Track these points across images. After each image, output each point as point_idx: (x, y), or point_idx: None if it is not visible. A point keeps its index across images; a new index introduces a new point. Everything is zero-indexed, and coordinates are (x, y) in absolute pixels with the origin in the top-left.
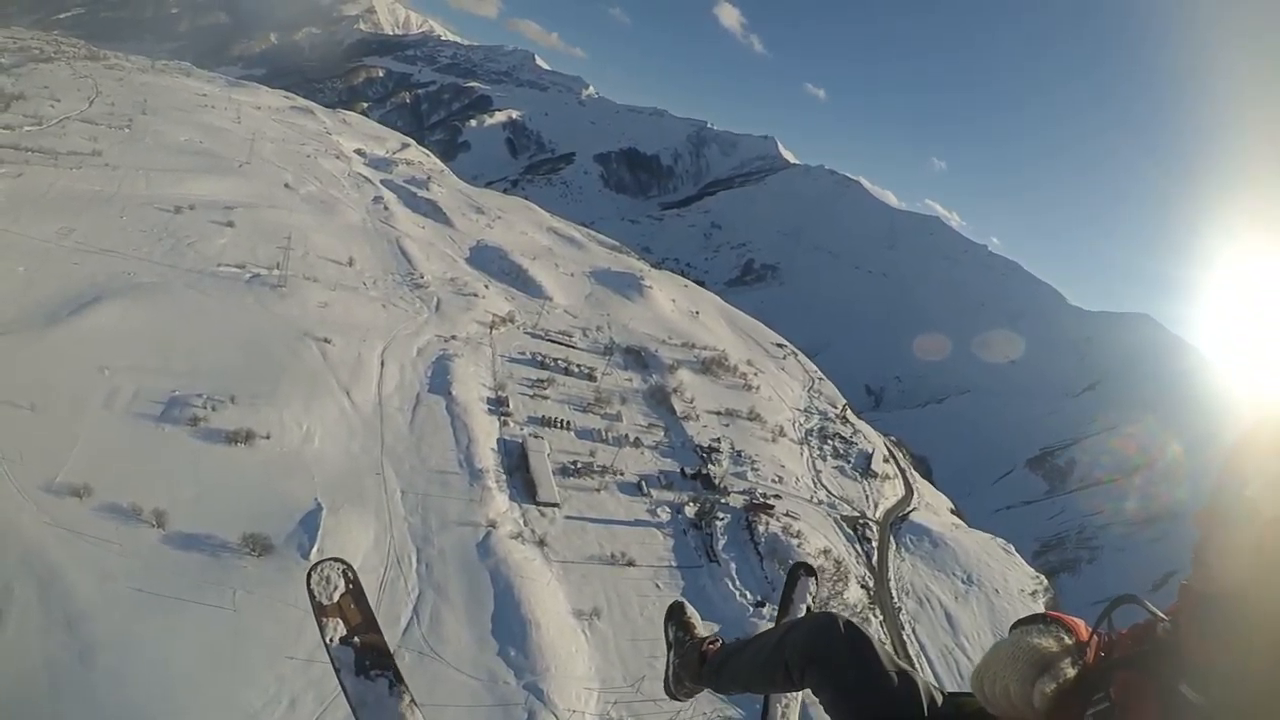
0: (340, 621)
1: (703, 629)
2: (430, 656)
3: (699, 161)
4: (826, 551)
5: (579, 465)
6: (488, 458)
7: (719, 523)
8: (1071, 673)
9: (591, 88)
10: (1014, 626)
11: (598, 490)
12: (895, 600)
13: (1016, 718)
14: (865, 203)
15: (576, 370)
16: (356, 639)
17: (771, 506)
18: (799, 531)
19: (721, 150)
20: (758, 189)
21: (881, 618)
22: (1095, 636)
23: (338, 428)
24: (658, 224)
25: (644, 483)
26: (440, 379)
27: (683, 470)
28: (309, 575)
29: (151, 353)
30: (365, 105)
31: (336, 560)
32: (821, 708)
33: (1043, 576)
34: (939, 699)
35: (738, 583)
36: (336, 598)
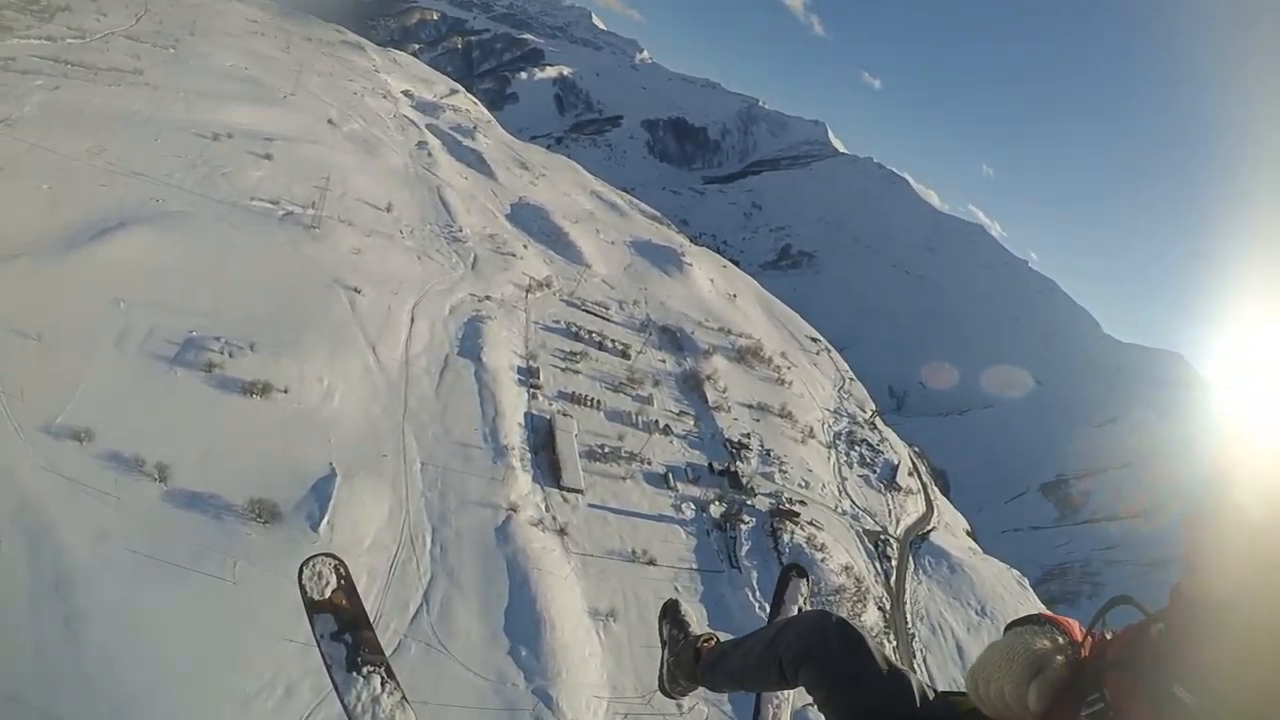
0: (332, 617)
1: (697, 627)
2: (438, 650)
3: (746, 139)
4: (848, 568)
5: (606, 450)
6: (514, 433)
7: (743, 526)
8: (1066, 674)
9: (646, 52)
10: (1009, 627)
11: (623, 479)
12: (910, 626)
13: (1011, 718)
14: (910, 201)
15: (611, 346)
16: (348, 635)
17: (797, 514)
18: (823, 544)
19: (770, 130)
20: (803, 173)
21: (895, 644)
22: (1089, 638)
23: (360, 386)
24: (699, 197)
25: (671, 475)
26: (471, 342)
27: (711, 465)
28: (300, 570)
29: (172, 288)
30: (417, 47)
31: (328, 555)
32: (815, 707)
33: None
34: (932, 698)
35: (758, 593)
36: (329, 593)
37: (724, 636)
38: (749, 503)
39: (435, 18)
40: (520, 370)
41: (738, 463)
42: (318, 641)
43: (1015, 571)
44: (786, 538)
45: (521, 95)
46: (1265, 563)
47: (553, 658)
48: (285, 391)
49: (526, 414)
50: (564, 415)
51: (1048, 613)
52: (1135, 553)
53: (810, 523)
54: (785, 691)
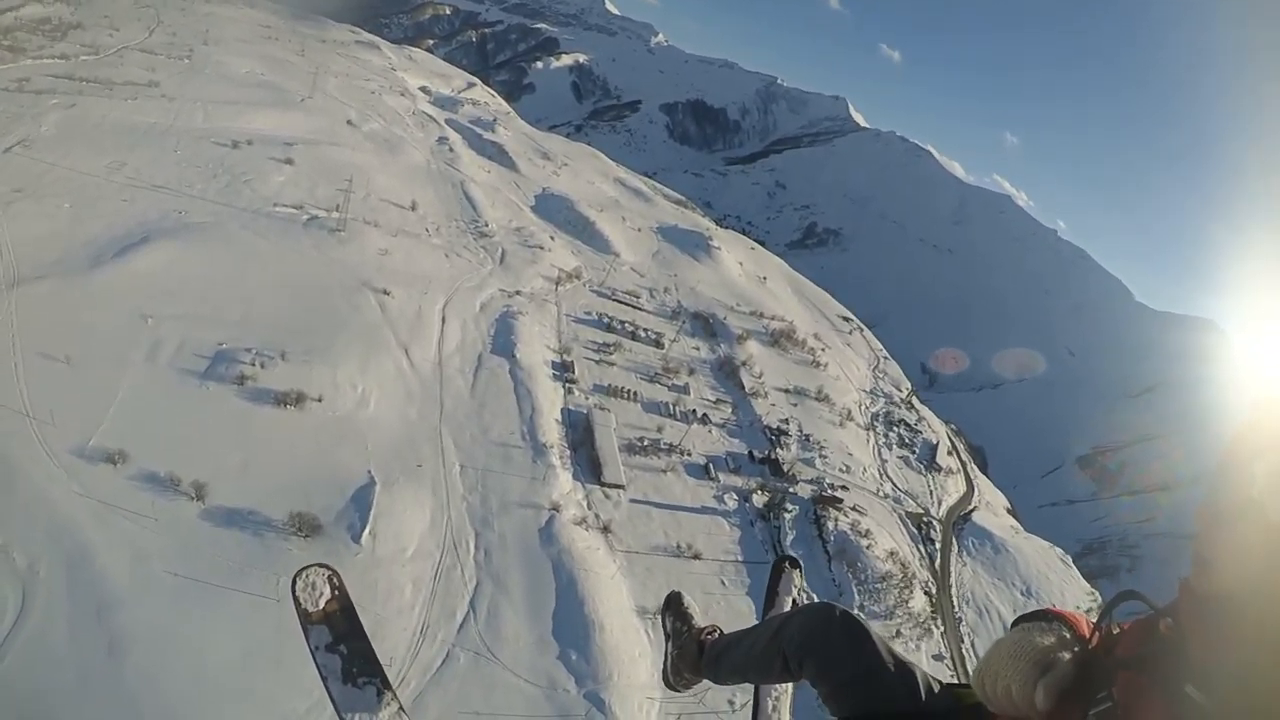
0: (326, 629)
1: (700, 619)
2: (487, 658)
3: (766, 118)
4: (893, 554)
5: (645, 443)
6: (552, 430)
7: (787, 515)
8: (1073, 672)
9: (661, 35)
10: (1015, 623)
11: (664, 471)
12: (956, 610)
13: (1017, 716)
14: (936, 174)
15: (644, 335)
16: (343, 646)
17: (840, 500)
18: (867, 530)
19: (790, 108)
20: (825, 150)
21: (943, 628)
22: (1097, 633)
23: (395, 390)
24: (721, 179)
25: (711, 465)
26: (504, 339)
27: (751, 453)
28: (294, 581)
29: (199, 300)
30: (431, 42)
31: (322, 566)
32: (821, 698)
33: (1097, 592)
34: (938, 691)
35: (805, 585)
36: (323, 604)
37: (727, 629)
38: (791, 490)
39: (448, 12)
40: (555, 365)
41: (778, 449)
42: (312, 653)
43: (1058, 549)
44: (831, 525)
45: (538, 85)
46: None
47: (603, 660)
48: (319, 400)
49: (564, 410)
50: (601, 409)
51: (1056, 609)
52: (1174, 524)
53: (853, 508)
54: (786, 684)
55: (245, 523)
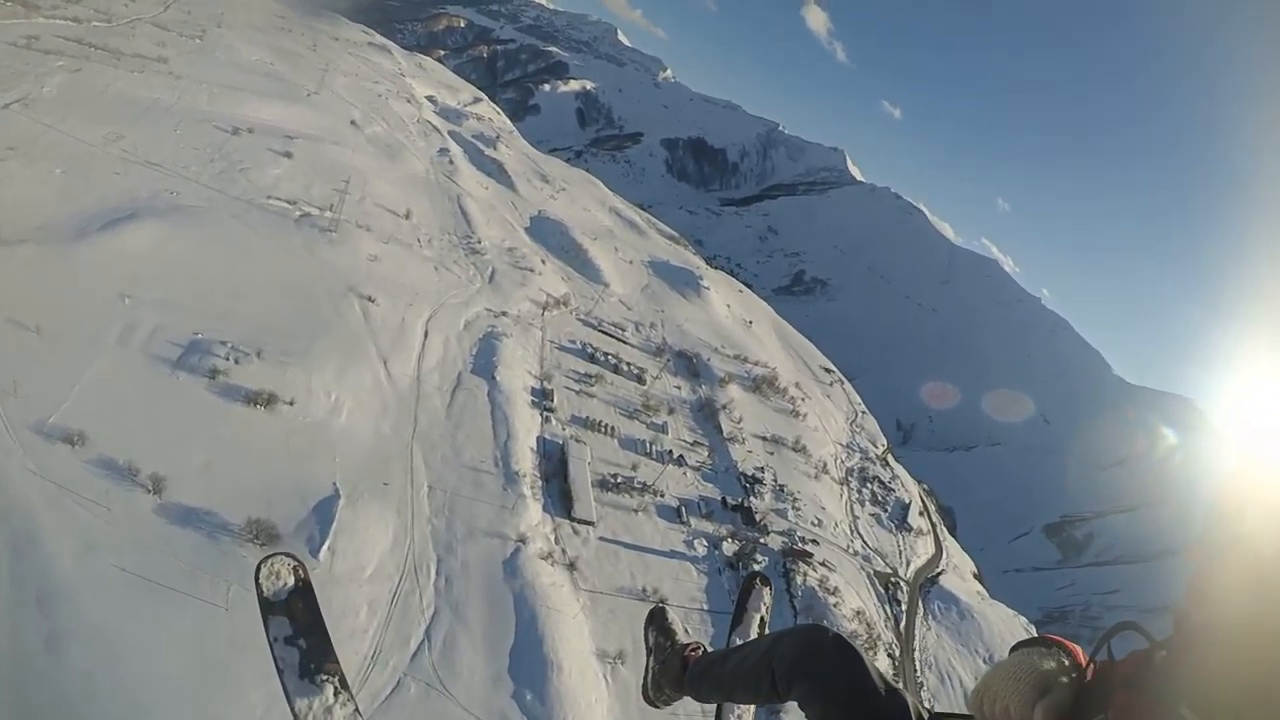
0: (287, 620)
1: (683, 635)
2: (438, 690)
3: (765, 162)
4: (860, 613)
5: (619, 480)
6: (525, 458)
7: (756, 566)
8: (1071, 696)
9: (669, 71)
10: (1015, 648)
11: (636, 511)
12: (919, 674)
13: None
14: (926, 233)
15: (626, 369)
16: (303, 641)
17: (810, 554)
18: (835, 588)
19: (789, 155)
20: (820, 200)
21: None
22: (1093, 663)
23: (370, 402)
24: (715, 218)
25: (684, 508)
26: (485, 359)
27: (724, 500)
28: (258, 569)
29: (180, 286)
30: (442, 53)
31: (287, 555)
32: None
33: None
34: (927, 719)
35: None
36: (285, 595)
37: (710, 646)
38: (762, 541)
39: (462, 25)
40: (534, 391)
41: (752, 498)
42: (270, 645)
43: (1023, 619)
44: (799, 579)
45: (543, 107)
46: (1271, 594)
47: (558, 703)
48: (291, 404)
49: (539, 438)
50: (578, 441)
51: (1054, 635)
52: (1137, 598)
53: (823, 563)
54: (752, 706)
55: (201, 523)
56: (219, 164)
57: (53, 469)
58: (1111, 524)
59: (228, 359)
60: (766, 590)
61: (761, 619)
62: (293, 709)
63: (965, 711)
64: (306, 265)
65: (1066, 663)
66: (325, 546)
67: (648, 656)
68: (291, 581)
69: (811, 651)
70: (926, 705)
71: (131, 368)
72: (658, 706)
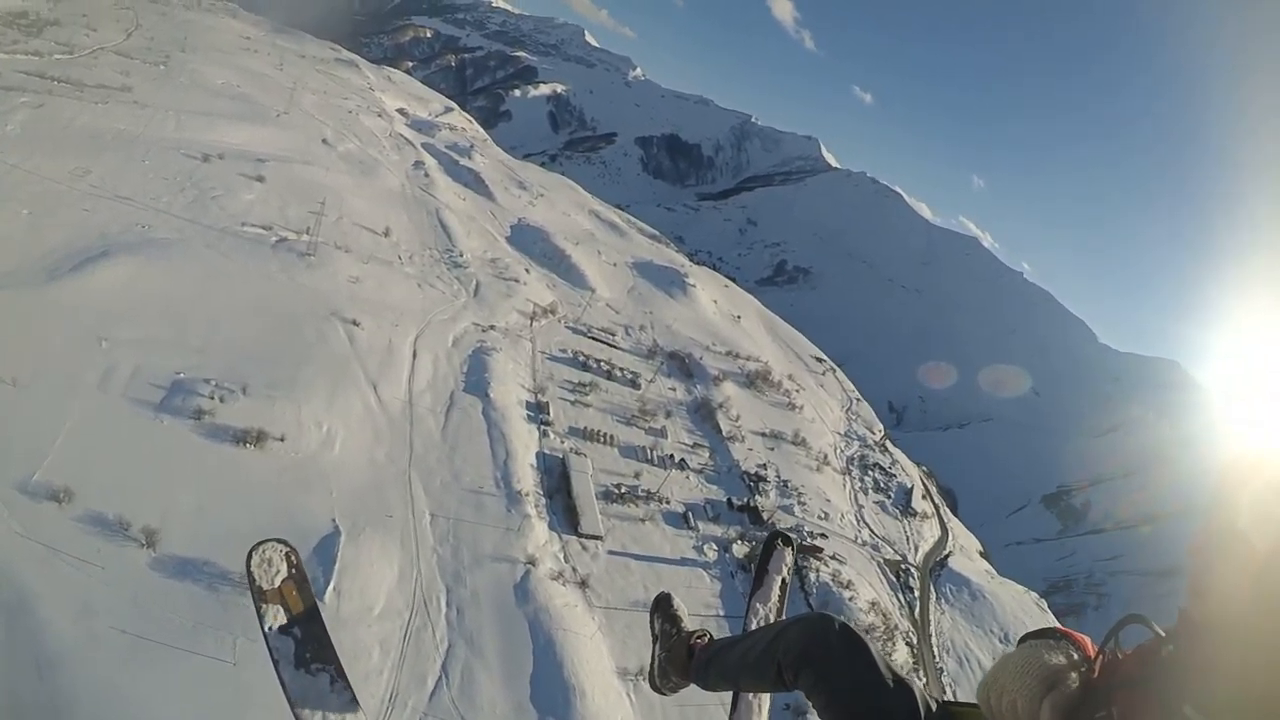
0: (281, 609)
1: (690, 623)
2: None
3: (740, 155)
4: (875, 604)
5: (623, 490)
6: (527, 476)
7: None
8: (1078, 691)
9: (639, 69)
10: (1022, 640)
11: (642, 520)
12: (937, 660)
13: None
14: (904, 215)
15: (620, 375)
16: (297, 629)
17: (820, 549)
18: (849, 581)
19: (764, 146)
20: (797, 189)
21: (925, 680)
22: (1100, 655)
23: (362, 430)
24: (693, 214)
25: (690, 514)
26: (477, 376)
27: (730, 501)
28: (249, 556)
29: (158, 323)
30: (410, 65)
31: (279, 542)
32: (816, 709)
33: None
34: (935, 709)
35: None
36: (278, 583)
37: (718, 634)
38: None
39: (429, 35)
40: (529, 405)
41: (757, 496)
42: (265, 634)
43: (1033, 594)
44: (813, 576)
45: (515, 113)
46: (1271, 590)
47: None
48: (281, 440)
49: (539, 454)
50: (578, 454)
51: (1062, 627)
52: (1140, 562)
53: (833, 557)
54: (766, 694)
55: (199, 574)
56: (190, 192)
57: (41, 529)
58: (1108, 490)
59: (212, 397)
60: (789, 551)
61: (783, 581)
62: (289, 699)
63: (975, 701)
64: (286, 291)
65: (1075, 656)
66: (330, 588)
67: (654, 644)
68: (284, 568)
69: (819, 641)
70: (934, 695)
71: (114, 414)
72: (664, 694)
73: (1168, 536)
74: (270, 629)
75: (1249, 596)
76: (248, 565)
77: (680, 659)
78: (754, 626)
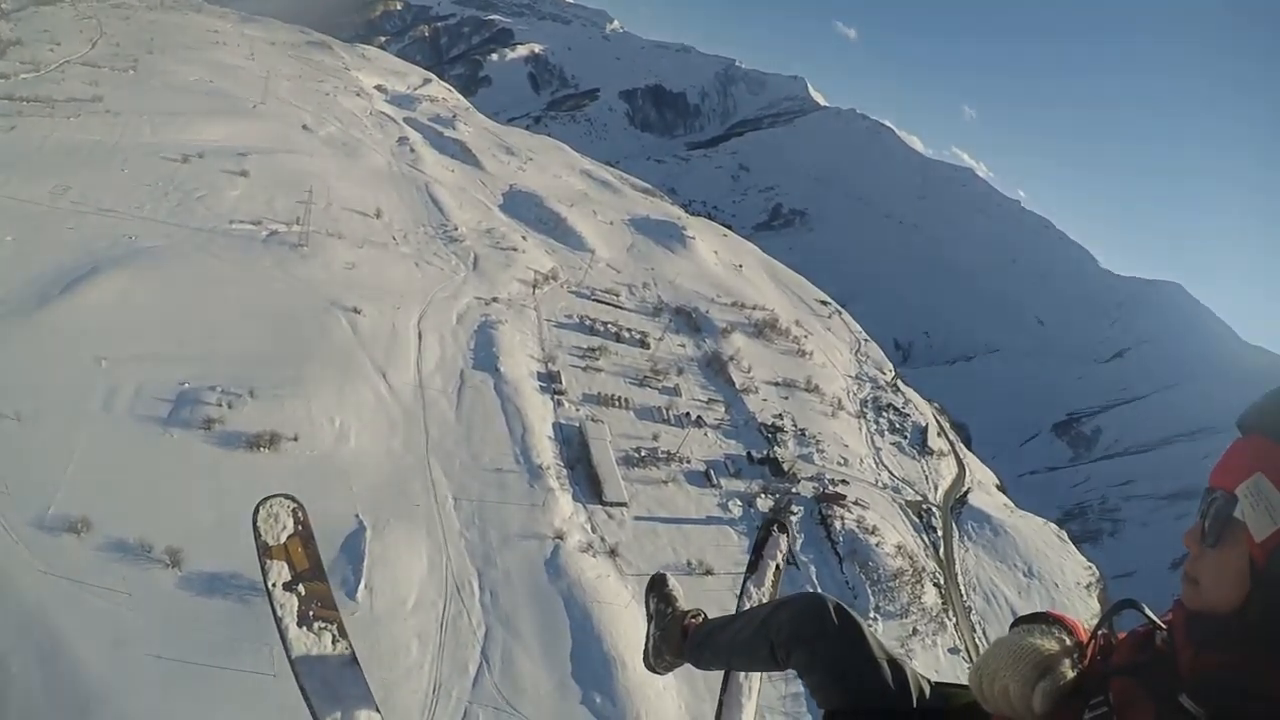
0: (286, 565)
1: (684, 602)
2: (508, 712)
3: (726, 101)
4: (901, 548)
5: (643, 453)
6: (545, 449)
7: (793, 517)
8: (1071, 676)
9: (616, 22)
10: (1015, 624)
11: (665, 482)
12: (965, 598)
13: (1013, 717)
14: (897, 150)
15: (628, 336)
16: (301, 586)
17: (843, 496)
18: (874, 526)
19: (750, 89)
20: (787, 131)
21: (955, 619)
22: (1095, 641)
23: (376, 420)
24: (684, 164)
25: (712, 471)
26: (485, 351)
27: (750, 454)
28: (255, 511)
29: (156, 335)
30: (383, 40)
31: (286, 497)
32: (808, 689)
33: (1094, 566)
34: (928, 690)
35: (819, 589)
36: (284, 539)
37: (712, 613)
38: (794, 490)
39: (399, 7)
40: (541, 376)
41: (776, 448)
42: (268, 590)
43: (1052, 526)
44: (838, 524)
45: (495, 77)
46: (1269, 579)
47: (629, 699)
48: (295, 439)
49: (555, 424)
50: (594, 421)
51: (1055, 611)
52: (1153, 485)
53: (856, 502)
54: (760, 674)
55: (228, 588)
56: (173, 196)
57: (63, 564)
58: (1117, 416)
59: (220, 404)
60: (784, 538)
61: (777, 566)
62: (289, 656)
63: (966, 683)
64: (283, 286)
65: (1068, 642)
66: (362, 586)
67: (649, 623)
68: (290, 524)
69: (811, 621)
70: (925, 677)
71: (122, 435)
72: (658, 673)
73: (1179, 458)
74: (274, 585)
75: (1243, 586)
76: (254, 520)
77: (674, 638)
78: (746, 608)
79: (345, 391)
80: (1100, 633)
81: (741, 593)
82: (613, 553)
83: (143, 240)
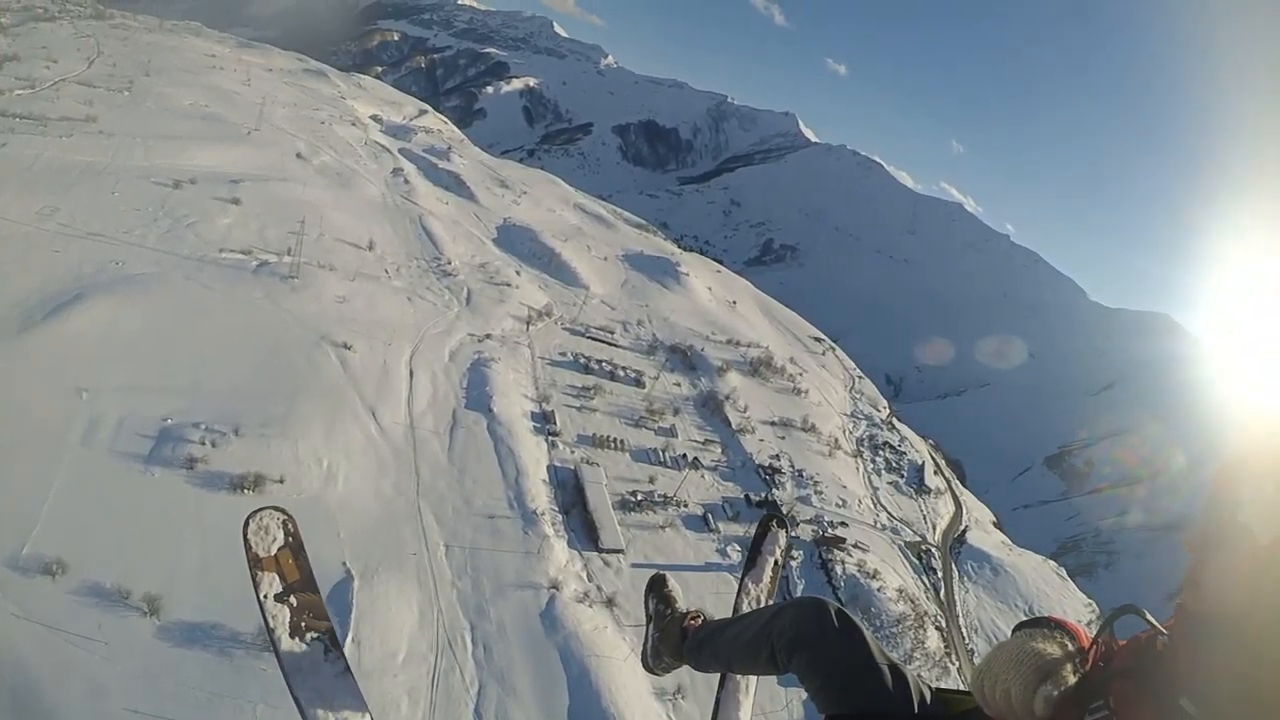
0: (277, 577)
1: (683, 604)
2: None
3: (718, 136)
4: (902, 591)
5: (639, 497)
6: (540, 493)
7: (793, 563)
8: (1072, 680)
9: (610, 57)
10: (1017, 629)
11: (662, 528)
12: (967, 640)
13: None
14: (887, 185)
15: (623, 375)
16: (292, 597)
17: (843, 539)
18: (875, 571)
19: (741, 125)
20: (778, 167)
21: (958, 664)
22: (1095, 646)
23: (365, 461)
24: (676, 199)
25: (710, 515)
26: (478, 390)
27: (748, 497)
28: (246, 524)
29: (140, 366)
30: (380, 69)
31: (276, 509)
32: (808, 693)
33: (1094, 602)
34: (929, 696)
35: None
36: (274, 550)
37: (712, 615)
38: (793, 534)
39: (396, 38)
40: (535, 416)
41: (774, 490)
42: (260, 602)
43: (1051, 563)
44: (839, 569)
45: (489, 110)
46: (1271, 583)
47: None
48: (281, 481)
49: (549, 467)
50: (590, 464)
51: (1056, 616)
52: (1147, 517)
53: (856, 545)
54: (755, 677)
55: (209, 639)
56: (163, 222)
57: (37, 608)
58: (1110, 448)
59: (204, 443)
60: (782, 533)
61: (775, 562)
62: (283, 668)
63: (967, 688)
64: (272, 319)
65: (1070, 647)
66: (349, 639)
67: (648, 624)
68: (281, 536)
69: (813, 625)
70: (926, 683)
71: (102, 472)
72: (657, 674)
73: (1171, 489)
74: (265, 597)
75: (1250, 590)
76: (244, 533)
77: (673, 640)
78: (745, 606)
79: (334, 431)
80: (1101, 638)
81: (740, 589)
82: (610, 602)
83: (130, 266)
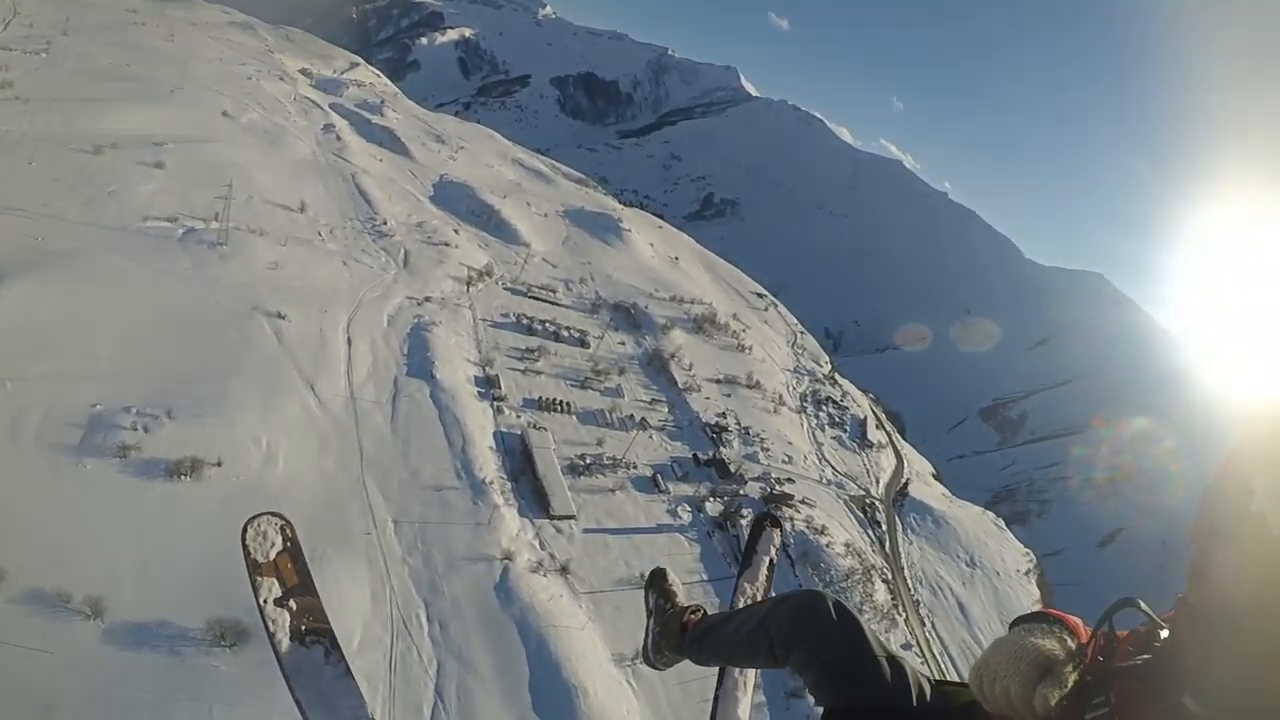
0: (276, 582)
1: (684, 598)
2: None
3: (659, 90)
4: (849, 545)
5: (588, 460)
6: (488, 460)
7: (743, 521)
8: (1072, 676)
9: (549, 7)
10: (1014, 624)
11: (612, 491)
12: (913, 592)
13: (1014, 718)
14: (828, 141)
15: (567, 335)
16: (292, 601)
17: (790, 496)
18: (823, 526)
19: (682, 79)
20: (719, 121)
21: (905, 615)
22: (1094, 640)
23: (305, 438)
24: (616, 153)
25: (659, 476)
26: (419, 356)
27: (695, 456)
28: (244, 530)
29: (65, 350)
30: (309, 21)
31: (274, 515)
32: (806, 687)
33: (1031, 553)
34: (928, 690)
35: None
36: (273, 555)
37: (703, 599)
38: (741, 492)
39: None
40: (479, 381)
41: (721, 448)
42: (260, 607)
43: (990, 514)
44: (788, 526)
45: (424, 62)
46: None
47: None
48: (219, 465)
49: (496, 433)
50: (536, 429)
51: (1055, 611)
52: (1077, 468)
53: (803, 501)
54: (753, 669)
55: (157, 639)
56: (84, 191)
57: None
58: (1043, 401)
59: (136, 428)
60: (777, 533)
61: (770, 561)
62: (284, 672)
63: (966, 682)
64: (201, 290)
65: (1069, 642)
66: None
67: (648, 619)
68: (279, 541)
69: (810, 618)
70: (926, 676)
71: (31, 468)
72: (657, 668)
73: (1099, 441)
74: (265, 602)
75: (1261, 581)
76: (243, 539)
77: (673, 634)
78: (741, 605)
79: (271, 407)
80: (1100, 632)
81: (735, 589)
82: (564, 570)
83: (51, 242)
